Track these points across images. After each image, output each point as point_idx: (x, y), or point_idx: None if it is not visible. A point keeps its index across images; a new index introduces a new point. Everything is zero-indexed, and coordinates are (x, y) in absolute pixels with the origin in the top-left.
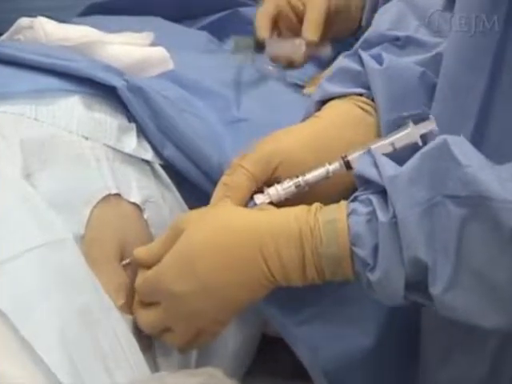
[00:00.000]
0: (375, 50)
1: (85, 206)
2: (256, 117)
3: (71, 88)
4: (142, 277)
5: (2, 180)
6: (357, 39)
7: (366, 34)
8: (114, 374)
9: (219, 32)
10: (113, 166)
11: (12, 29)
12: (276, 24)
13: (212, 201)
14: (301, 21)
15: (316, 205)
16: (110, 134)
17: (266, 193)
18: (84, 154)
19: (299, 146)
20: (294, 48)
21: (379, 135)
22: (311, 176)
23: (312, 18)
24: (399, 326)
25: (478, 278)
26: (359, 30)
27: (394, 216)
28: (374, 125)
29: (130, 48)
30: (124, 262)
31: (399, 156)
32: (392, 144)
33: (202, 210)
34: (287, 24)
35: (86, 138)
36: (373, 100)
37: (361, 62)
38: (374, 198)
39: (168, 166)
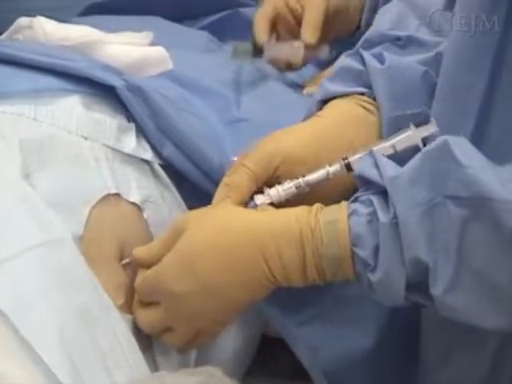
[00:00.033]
0: (376, 50)
1: (84, 205)
2: (256, 117)
3: (70, 88)
4: (142, 276)
5: (1, 180)
6: (356, 40)
7: (367, 34)
8: (113, 373)
9: (219, 32)
10: (112, 165)
11: (11, 28)
12: (274, 26)
13: (214, 201)
14: (299, 23)
15: (317, 205)
16: (109, 133)
17: (266, 193)
18: (83, 153)
19: (301, 146)
20: (293, 50)
21: (381, 134)
22: (312, 177)
23: (310, 20)
24: (399, 326)
25: (479, 278)
26: (358, 31)
27: (395, 217)
28: (376, 124)
29: (129, 48)
30: (123, 262)
31: (400, 157)
32: (393, 146)
33: (203, 210)
34: (285, 26)
35: (86, 138)
36: (374, 99)
37: (362, 61)
38: (375, 199)
39: (167, 166)
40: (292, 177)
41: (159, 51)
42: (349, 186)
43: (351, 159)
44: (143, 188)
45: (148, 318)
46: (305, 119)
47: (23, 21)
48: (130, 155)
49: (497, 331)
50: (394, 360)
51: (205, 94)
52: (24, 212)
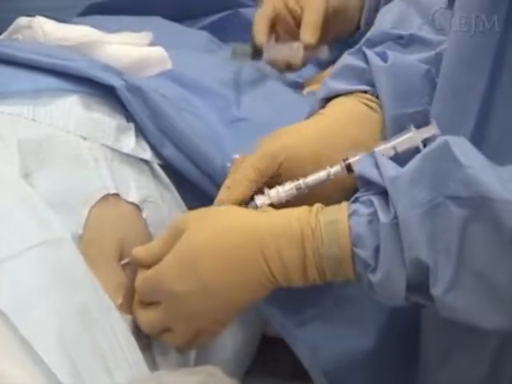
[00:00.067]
0: (379, 49)
1: (83, 206)
2: (256, 116)
3: (70, 88)
4: (142, 276)
5: (1, 180)
6: (356, 40)
7: (369, 34)
8: (113, 373)
9: (220, 32)
10: (111, 165)
11: (10, 28)
12: (274, 27)
13: (215, 204)
14: (298, 24)
15: (317, 206)
16: (108, 133)
17: (266, 194)
18: (82, 154)
19: (304, 143)
20: (292, 51)
21: (384, 132)
22: (312, 179)
23: (310, 20)
24: (399, 326)
25: (479, 278)
26: (357, 31)
27: (396, 217)
28: (379, 122)
29: (128, 48)
30: (123, 262)
31: (400, 157)
32: (394, 148)
33: (203, 211)
34: (285, 27)
35: (84, 138)
36: (377, 97)
37: (365, 59)
38: (376, 199)
39: (167, 166)
40: (294, 174)
41: (158, 51)
42: (349, 186)
43: (352, 160)
44: (142, 188)
45: (148, 318)
46: (308, 117)
47: (23, 21)
48: (129, 155)
49: (497, 331)
50: (393, 360)
51: (205, 93)
52: (23, 212)
